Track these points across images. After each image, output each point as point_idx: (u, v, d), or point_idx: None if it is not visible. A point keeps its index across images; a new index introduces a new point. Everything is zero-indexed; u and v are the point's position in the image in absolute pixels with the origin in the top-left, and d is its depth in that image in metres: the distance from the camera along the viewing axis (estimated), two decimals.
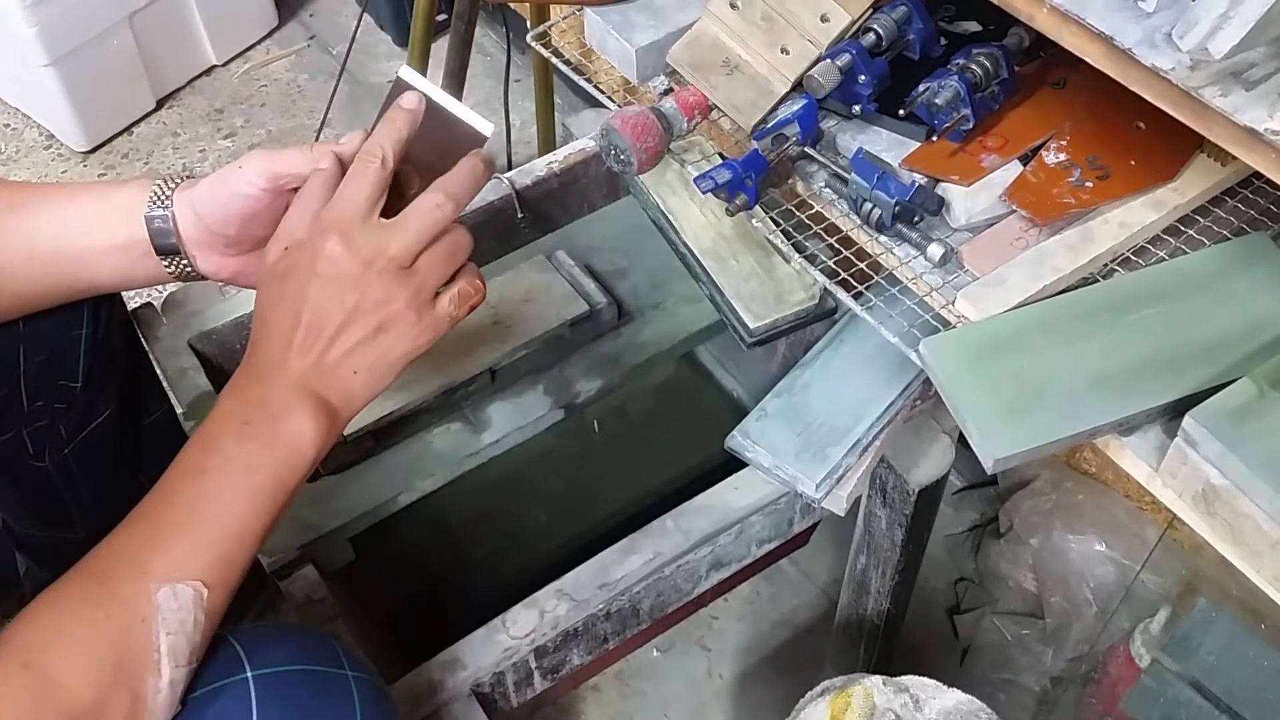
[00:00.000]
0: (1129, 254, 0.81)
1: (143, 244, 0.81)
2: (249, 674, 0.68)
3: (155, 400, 1.08)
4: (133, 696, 0.64)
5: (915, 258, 0.81)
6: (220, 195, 0.78)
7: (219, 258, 0.82)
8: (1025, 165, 0.83)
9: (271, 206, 0.78)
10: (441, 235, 0.73)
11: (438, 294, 0.74)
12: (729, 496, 0.96)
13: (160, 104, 2.06)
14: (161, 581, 0.66)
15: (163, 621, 0.65)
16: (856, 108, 0.86)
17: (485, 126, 0.77)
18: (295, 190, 0.78)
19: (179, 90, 2.09)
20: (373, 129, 0.75)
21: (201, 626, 0.67)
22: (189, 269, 0.82)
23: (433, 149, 0.75)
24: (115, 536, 0.69)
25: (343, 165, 0.75)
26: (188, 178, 0.81)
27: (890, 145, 0.86)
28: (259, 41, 2.18)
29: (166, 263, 0.82)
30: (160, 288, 1.80)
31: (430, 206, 0.72)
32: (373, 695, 0.72)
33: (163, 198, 0.80)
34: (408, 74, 0.76)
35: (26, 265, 0.82)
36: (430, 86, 0.76)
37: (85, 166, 1.98)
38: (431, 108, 0.76)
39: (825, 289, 0.94)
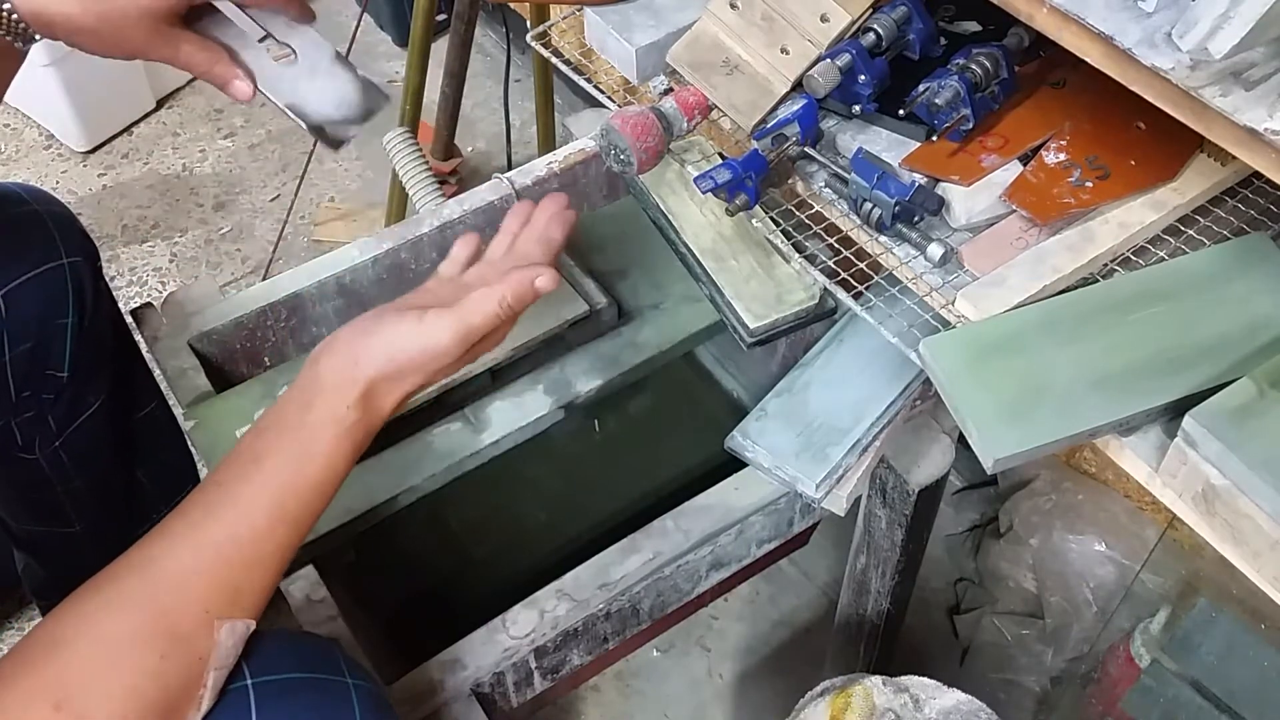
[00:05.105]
0: (1129, 254, 0.81)
1: None
2: (249, 681, 0.68)
3: (147, 394, 1.08)
4: None
5: (915, 258, 0.81)
6: None
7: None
8: (1025, 165, 0.83)
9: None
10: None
11: None
12: (729, 496, 0.96)
13: (160, 104, 2.06)
14: (223, 619, 0.66)
15: (216, 659, 0.65)
16: (856, 108, 0.86)
17: None
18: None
19: (179, 90, 2.09)
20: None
21: (234, 661, 0.67)
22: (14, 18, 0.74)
23: None
24: (166, 561, 0.67)
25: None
26: None
27: (890, 145, 0.86)
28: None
29: None
30: (159, 287, 1.80)
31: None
32: (373, 703, 0.72)
33: None
34: None
35: None
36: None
37: (85, 166, 1.98)
38: None
39: (825, 289, 0.94)
